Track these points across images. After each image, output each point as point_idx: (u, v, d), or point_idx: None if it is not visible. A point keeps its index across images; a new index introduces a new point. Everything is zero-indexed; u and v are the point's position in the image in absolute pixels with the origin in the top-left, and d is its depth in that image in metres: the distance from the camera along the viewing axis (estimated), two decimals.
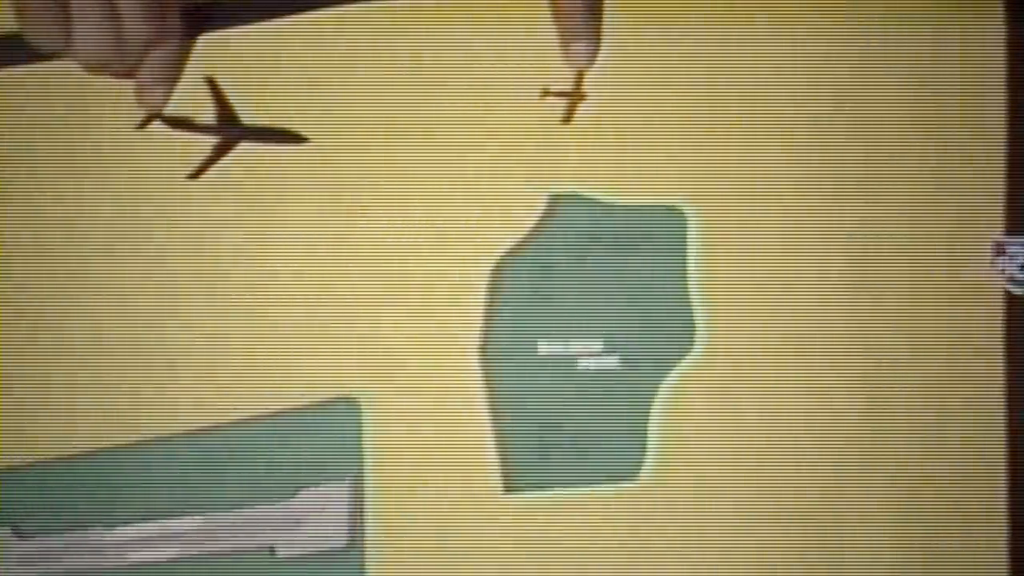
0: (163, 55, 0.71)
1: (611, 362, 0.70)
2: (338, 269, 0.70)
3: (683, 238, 0.70)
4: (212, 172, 0.71)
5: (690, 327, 0.70)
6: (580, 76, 0.71)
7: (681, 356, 0.70)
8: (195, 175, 0.71)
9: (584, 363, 0.70)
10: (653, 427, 0.70)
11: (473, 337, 0.70)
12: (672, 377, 0.70)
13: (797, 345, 0.70)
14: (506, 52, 0.71)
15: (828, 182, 0.68)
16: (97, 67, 0.69)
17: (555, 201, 0.71)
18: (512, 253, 0.71)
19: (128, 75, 0.71)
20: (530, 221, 0.71)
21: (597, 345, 0.70)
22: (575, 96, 0.71)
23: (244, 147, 0.72)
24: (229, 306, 0.70)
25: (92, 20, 0.66)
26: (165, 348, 0.70)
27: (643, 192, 0.71)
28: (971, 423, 0.66)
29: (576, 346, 0.70)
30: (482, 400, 0.70)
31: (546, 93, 0.71)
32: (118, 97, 0.71)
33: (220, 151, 0.71)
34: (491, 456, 0.70)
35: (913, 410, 0.67)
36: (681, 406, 0.70)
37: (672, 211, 0.71)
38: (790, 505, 0.70)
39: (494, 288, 0.71)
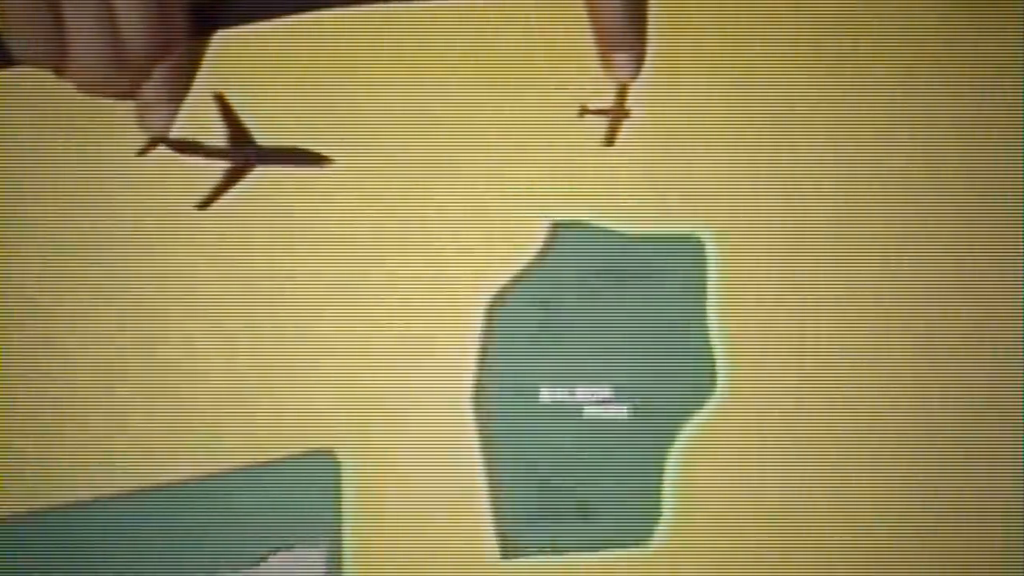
0: (168, 70, 0.67)
1: (620, 411, 0.66)
2: (313, 302, 0.67)
3: (701, 270, 0.67)
4: (177, 205, 0.67)
5: (710, 372, 0.66)
6: (623, 90, 0.67)
7: (699, 404, 0.66)
8: (205, 205, 0.67)
9: (590, 412, 0.66)
10: (668, 485, 0.66)
11: (466, 382, 0.66)
12: (689, 428, 0.66)
13: (830, 392, 0.66)
14: (513, 62, 0.68)
15: (859, 205, 0.66)
16: (94, 86, 0.65)
17: (557, 230, 0.67)
18: (509, 287, 0.67)
19: (128, 95, 0.67)
20: (529, 252, 0.67)
21: (605, 391, 0.66)
22: (618, 113, 0.67)
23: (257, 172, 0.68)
24: (200, 344, 0.67)
25: (89, 31, 0.62)
26: (132, 402, 0.66)
27: (656, 219, 0.67)
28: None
29: (581, 392, 0.67)
30: (476, 453, 0.66)
31: (585, 111, 0.67)
32: (119, 119, 0.68)
33: (233, 177, 0.67)
34: (486, 517, 0.66)
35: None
36: (700, 461, 0.66)
37: (689, 240, 0.67)
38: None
39: (489, 327, 0.67)
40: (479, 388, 0.66)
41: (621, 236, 0.67)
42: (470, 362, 0.66)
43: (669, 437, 0.66)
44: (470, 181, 0.67)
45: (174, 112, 0.67)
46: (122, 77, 0.65)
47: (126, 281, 0.66)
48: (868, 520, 0.66)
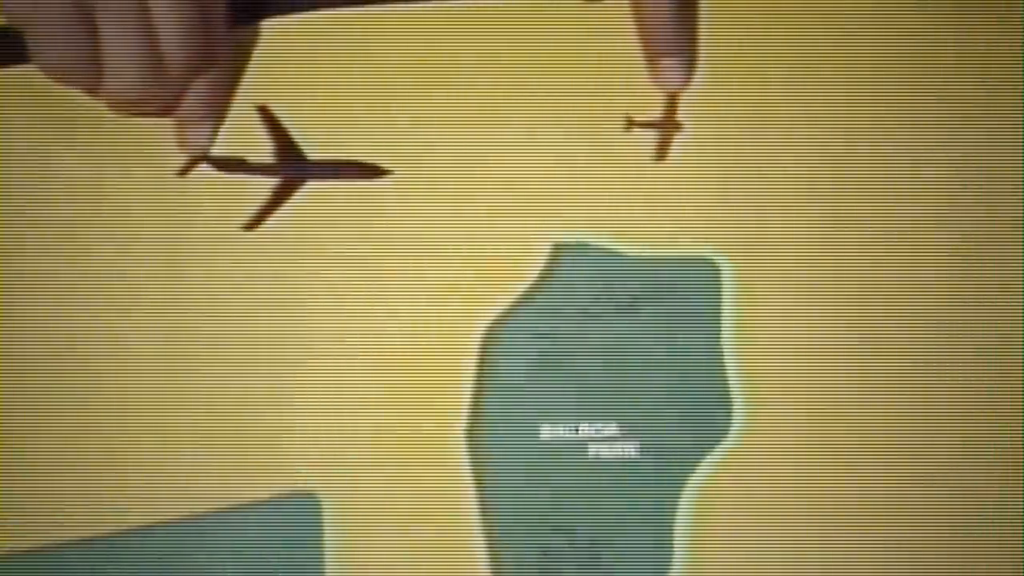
0: (208, 83, 0.64)
1: (628, 449, 0.63)
2: (299, 332, 0.64)
3: (716, 296, 0.64)
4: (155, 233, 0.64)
5: (725, 406, 0.63)
6: (674, 101, 0.65)
7: (714, 441, 0.63)
8: (253, 226, 0.64)
9: (595, 450, 0.63)
10: (681, 529, 0.63)
11: (459, 418, 0.63)
12: (704, 467, 0.63)
13: (854, 426, 0.63)
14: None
15: (882, 233, 0.64)
16: (130, 103, 0.62)
17: (559, 252, 0.64)
18: (506, 315, 0.64)
19: (165, 112, 0.64)
20: (528, 276, 0.64)
21: (611, 428, 0.63)
22: (669, 127, 0.64)
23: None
24: (178, 376, 0.64)
25: (126, 43, 0.60)
26: (108, 441, 0.63)
27: (667, 241, 0.64)
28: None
29: (585, 429, 0.63)
30: (470, 496, 0.63)
31: (632, 123, 0.64)
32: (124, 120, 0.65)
33: (282, 194, 0.64)
34: (481, 565, 0.63)
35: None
36: (715, 503, 0.63)
37: (703, 264, 0.64)
38: None
39: (484, 358, 0.63)
40: (474, 425, 0.63)
41: (627, 260, 0.64)
42: (463, 396, 0.63)
43: (682, 477, 0.62)
44: (461, 197, 0.64)
45: (215, 128, 0.65)
46: (160, 92, 0.62)
47: (97, 314, 0.63)
48: (896, 564, 0.63)
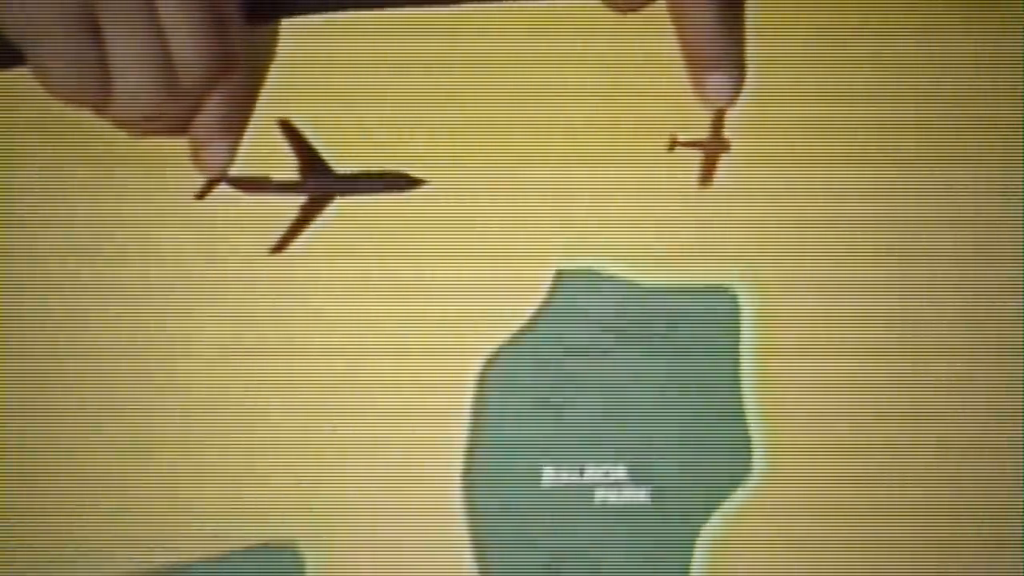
0: (225, 98, 0.61)
1: (639, 495, 0.59)
2: (277, 366, 0.61)
3: (734, 329, 0.60)
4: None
5: (744, 448, 0.59)
6: (720, 118, 0.62)
7: (733, 486, 0.59)
8: (281, 247, 0.61)
9: (603, 496, 0.59)
10: None
11: (455, 461, 0.59)
12: (721, 515, 0.59)
13: (885, 473, 0.59)
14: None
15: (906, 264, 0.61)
16: (140, 121, 0.60)
17: (563, 279, 0.61)
18: (505, 348, 0.60)
19: (178, 130, 0.61)
20: (530, 305, 0.60)
21: (620, 472, 0.59)
22: (715, 147, 0.61)
23: None
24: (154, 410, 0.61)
25: (136, 55, 0.57)
26: (82, 494, 0.60)
27: (681, 268, 0.61)
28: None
29: (592, 473, 0.59)
30: (466, 547, 0.59)
31: (675, 143, 0.61)
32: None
33: (311, 212, 0.62)
34: None
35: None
36: (734, 555, 0.58)
37: (721, 293, 0.60)
38: None
39: (482, 395, 0.60)
40: (469, 469, 0.59)
41: (637, 288, 0.60)
42: (460, 439, 0.59)
43: (697, 525, 0.58)
44: (461, 220, 0.61)
45: (234, 145, 0.62)
46: (174, 106, 0.59)
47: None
48: None
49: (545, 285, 0.60)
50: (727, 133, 0.61)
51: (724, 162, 0.61)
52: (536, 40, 0.62)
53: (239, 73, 0.61)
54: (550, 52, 0.62)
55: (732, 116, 0.61)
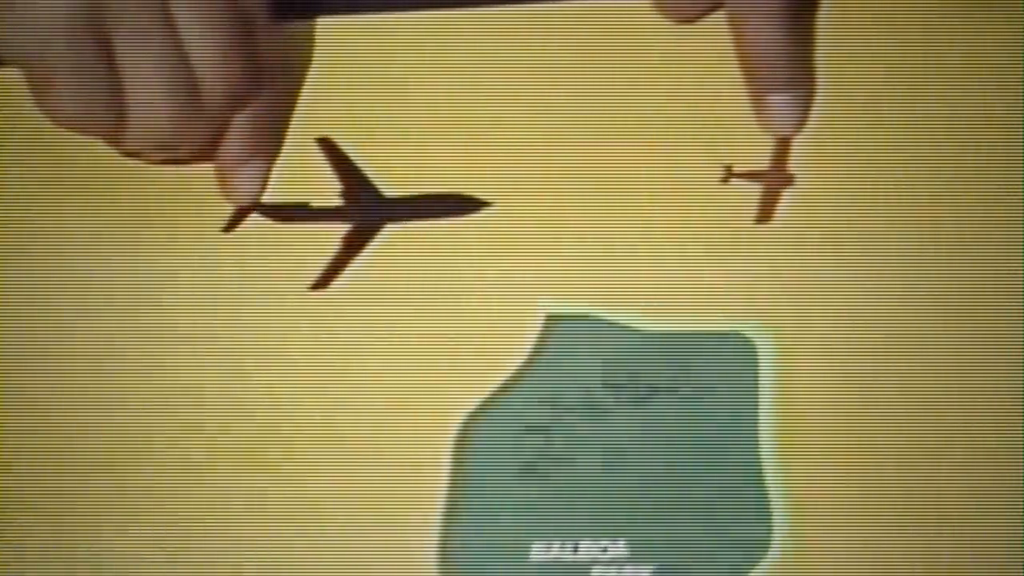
0: (255, 113, 0.57)
1: (641, 574, 0.53)
2: (254, 428, 0.56)
3: (751, 380, 0.55)
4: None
5: (763, 518, 0.53)
6: (784, 148, 0.58)
7: (750, 562, 0.52)
8: (323, 284, 0.57)
9: (601, 574, 0.53)
10: None
11: (430, 534, 0.53)
12: None
13: (923, 546, 0.53)
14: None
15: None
16: (160, 148, 0.57)
17: (554, 325, 0.57)
18: (487, 406, 0.55)
19: (202, 156, 0.58)
20: (516, 356, 0.56)
21: (619, 547, 0.53)
22: (777, 180, 0.57)
23: None
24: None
25: (154, 75, 0.53)
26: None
27: (689, 311, 0.56)
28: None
29: (586, 548, 0.53)
30: None
31: (731, 174, 0.57)
32: None
33: (357, 241, 0.58)
34: None
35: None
36: None
37: (735, 340, 0.56)
38: None
39: (461, 459, 0.54)
40: (447, 543, 0.53)
41: (639, 336, 0.56)
42: (435, 508, 0.53)
43: None
44: (440, 259, 0.57)
45: (266, 169, 0.59)
46: (196, 129, 0.56)
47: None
48: None
49: (533, 333, 0.56)
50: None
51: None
52: (572, 39, 0.60)
53: (270, 86, 0.57)
54: (581, 53, 0.60)
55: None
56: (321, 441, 0.56)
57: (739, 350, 0.55)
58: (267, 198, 0.59)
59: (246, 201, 0.58)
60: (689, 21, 0.58)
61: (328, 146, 0.59)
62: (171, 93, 0.54)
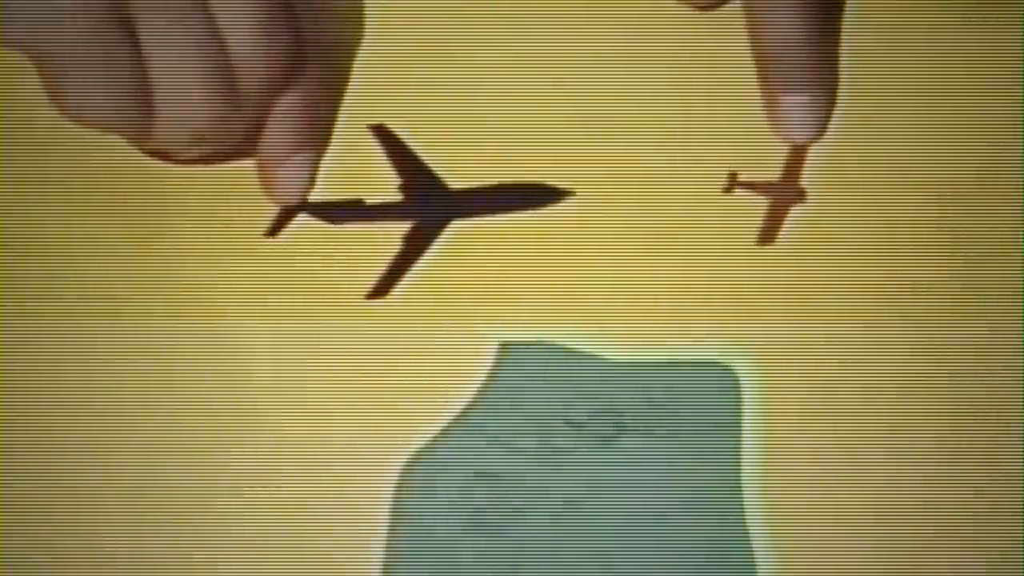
0: (299, 100, 0.53)
1: None
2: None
3: (732, 413, 0.50)
4: None
5: (746, 563, 0.48)
6: (799, 157, 0.54)
7: None
8: (381, 293, 0.53)
9: None
10: None
11: None
12: None
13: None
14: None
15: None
16: (191, 145, 0.52)
17: (508, 354, 0.52)
18: (431, 447, 0.50)
19: (239, 152, 0.54)
20: (464, 389, 0.51)
21: None
22: (786, 193, 0.53)
23: None
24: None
25: (183, 61, 0.49)
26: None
27: (661, 338, 0.52)
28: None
29: None
30: None
31: (735, 183, 0.53)
32: None
33: (420, 242, 0.54)
34: None
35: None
36: None
37: (713, 370, 0.51)
38: None
39: (401, 506, 0.49)
40: None
41: (607, 365, 0.51)
42: (374, 564, 0.48)
43: None
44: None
45: (314, 163, 0.54)
46: (232, 123, 0.52)
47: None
48: None
49: (484, 363, 0.51)
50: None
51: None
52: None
53: (315, 68, 0.53)
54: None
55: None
56: (250, 473, 0.50)
57: (719, 381, 0.50)
58: (315, 196, 0.53)
59: (292, 200, 0.54)
60: (711, 7, 0.55)
61: (384, 134, 0.55)
62: (203, 80, 0.49)
